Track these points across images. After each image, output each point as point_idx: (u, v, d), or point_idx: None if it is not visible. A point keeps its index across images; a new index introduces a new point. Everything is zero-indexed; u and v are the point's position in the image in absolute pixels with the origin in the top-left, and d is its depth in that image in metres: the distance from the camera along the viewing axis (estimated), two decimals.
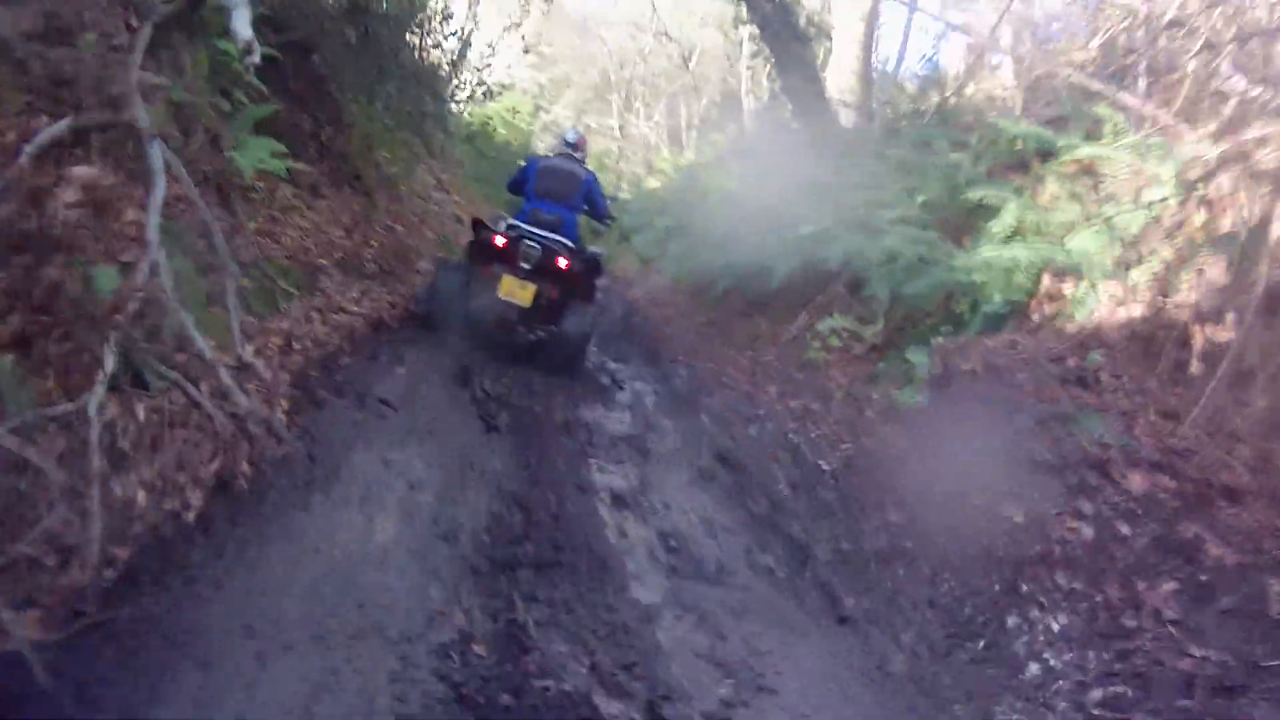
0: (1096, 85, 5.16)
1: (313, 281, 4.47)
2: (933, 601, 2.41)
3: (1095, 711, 1.85)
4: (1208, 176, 3.97)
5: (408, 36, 6.19)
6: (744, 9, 8.92)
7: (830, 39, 10.11)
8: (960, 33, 8.05)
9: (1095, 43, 5.90)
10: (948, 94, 7.41)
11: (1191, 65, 4.88)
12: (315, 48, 5.34)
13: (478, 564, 2.32)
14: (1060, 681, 1.95)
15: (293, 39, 4.91)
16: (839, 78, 8.94)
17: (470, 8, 9.99)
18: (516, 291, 4.44)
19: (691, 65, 17.48)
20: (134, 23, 3.38)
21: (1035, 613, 2.17)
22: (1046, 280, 4.25)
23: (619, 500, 3.23)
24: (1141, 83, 4.74)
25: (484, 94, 8.35)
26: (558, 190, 4.88)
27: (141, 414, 2.38)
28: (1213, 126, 4.37)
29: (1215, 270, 3.78)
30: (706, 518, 3.18)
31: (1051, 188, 4.74)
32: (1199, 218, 4.00)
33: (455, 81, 8.03)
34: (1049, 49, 7.97)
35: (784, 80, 8.45)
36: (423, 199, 8.21)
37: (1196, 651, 1.87)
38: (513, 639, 2.01)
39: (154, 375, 2.67)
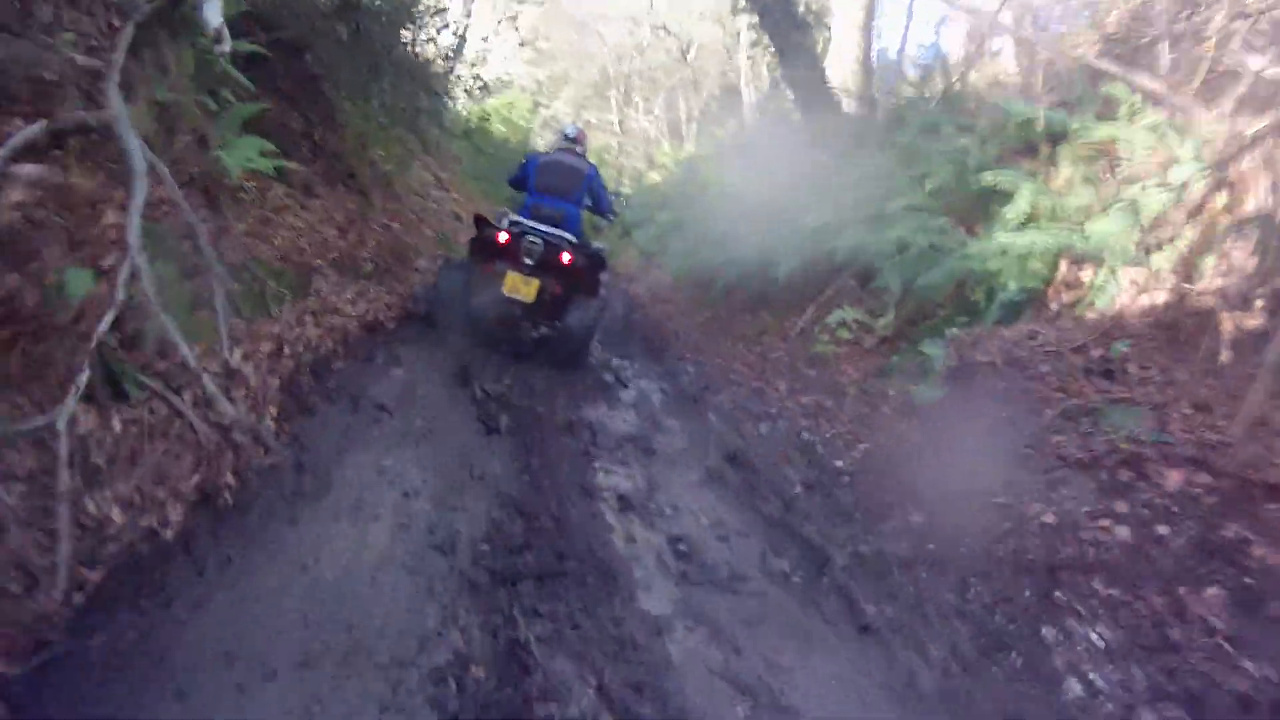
0: (1107, 65, 5.00)
1: (306, 283, 4.35)
2: (961, 610, 2.27)
3: None
4: (1229, 157, 3.82)
5: (401, 32, 6.04)
6: None
7: (829, 28, 9.97)
8: (964, 11, 7.84)
9: (1110, 19, 5.73)
10: (953, 79, 7.24)
11: (1205, 43, 4.72)
12: (307, 46, 5.22)
13: (476, 577, 2.19)
14: (1106, 702, 1.80)
15: (283, 37, 4.79)
16: (840, 66, 8.79)
17: (465, 4, 9.86)
18: (520, 287, 4.42)
19: (690, 59, 17.31)
20: (116, 22, 3.27)
21: (1072, 623, 2.03)
22: (1063, 267, 4.10)
23: (625, 503, 3.09)
24: (1165, 58, 4.56)
25: (480, 88, 8.20)
26: (559, 185, 4.82)
27: (118, 426, 2.26)
28: (1228, 106, 4.22)
29: (1240, 254, 3.64)
30: (717, 520, 3.04)
31: (1065, 171, 4.59)
32: (1220, 200, 3.85)
33: (451, 76, 7.89)
34: (1053, 31, 7.81)
35: (785, 69, 8.30)
36: (420, 197, 8.08)
37: (1251, 668, 1.72)
38: (513, 659, 1.87)
39: (134, 384, 2.55)
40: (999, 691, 1.99)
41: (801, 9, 8.87)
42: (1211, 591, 2.02)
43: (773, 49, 8.61)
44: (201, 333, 3.10)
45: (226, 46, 3.06)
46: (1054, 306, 4.00)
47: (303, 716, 1.55)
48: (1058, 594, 2.14)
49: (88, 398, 2.31)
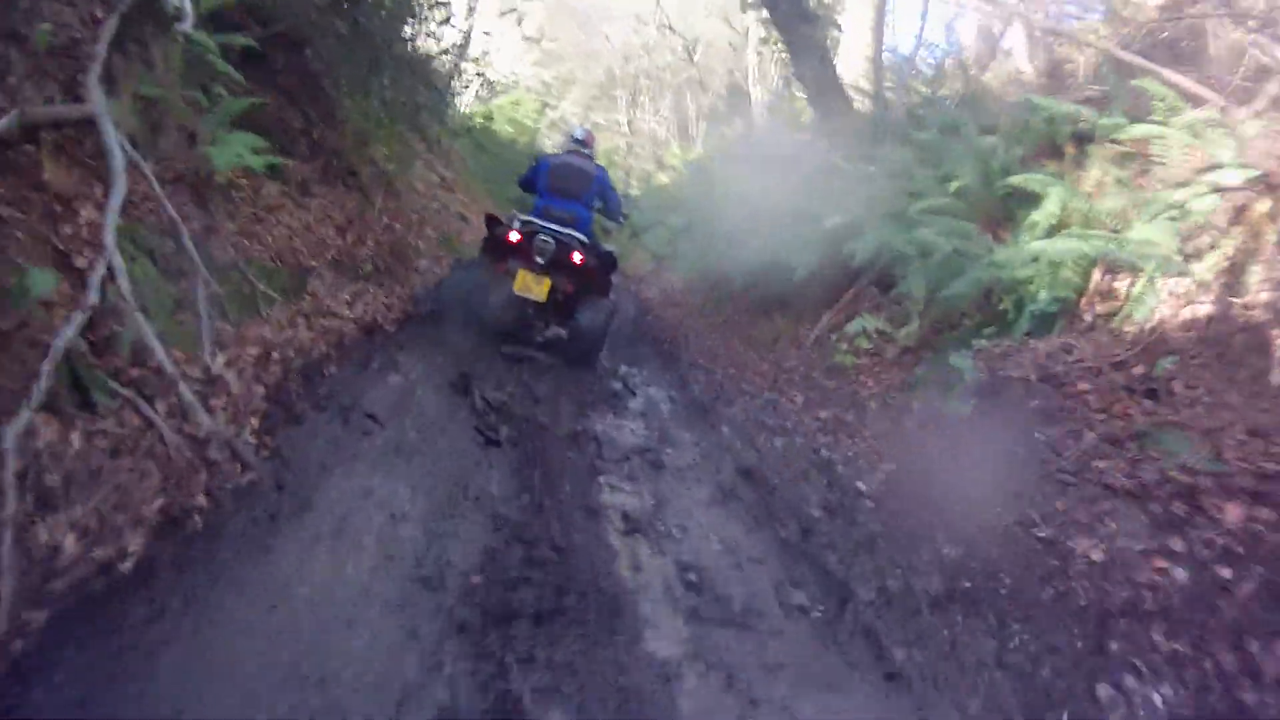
0: (1139, 60, 4.76)
1: (300, 284, 4.17)
2: (1001, 659, 2.05)
3: None
4: (1277, 158, 3.59)
5: (402, 26, 5.86)
6: None
7: (839, 27, 9.78)
8: (978, 6, 7.64)
9: (1128, 10, 5.49)
10: (971, 74, 7.03)
11: (1241, 40, 4.49)
12: (306, 40, 5.06)
13: (466, 617, 1.98)
14: None
15: (281, 31, 4.63)
16: (851, 63, 8.59)
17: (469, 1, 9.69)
18: (532, 286, 4.41)
19: (696, 58, 17.10)
20: (99, 13, 3.11)
21: (1131, 681, 1.81)
22: (1097, 276, 3.87)
23: (631, 524, 2.89)
24: (1211, 49, 4.32)
25: (484, 84, 8.02)
26: (570, 187, 4.81)
27: (78, 441, 2.06)
28: (1262, 104, 3.98)
29: None
30: (730, 544, 2.83)
31: (1095, 173, 4.36)
32: (1262, 205, 3.62)
33: (453, 72, 7.70)
34: (1068, 25, 7.59)
35: (796, 66, 8.08)
36: (424, 197, 7.90)
37: None
38: (504, 717, 1.67)
39: (104, 393, 2.37)
40: None
41: (812, 3, 8.66)
42: None
43: (782, 45, 8.41)
44: (183, 337, 2.91)
45: (188, 25, 2.90)
46: (1087, 318, 3.76)
47: None
48: (1112, 645, 1.92)
49: (50, 408, 2.13)
